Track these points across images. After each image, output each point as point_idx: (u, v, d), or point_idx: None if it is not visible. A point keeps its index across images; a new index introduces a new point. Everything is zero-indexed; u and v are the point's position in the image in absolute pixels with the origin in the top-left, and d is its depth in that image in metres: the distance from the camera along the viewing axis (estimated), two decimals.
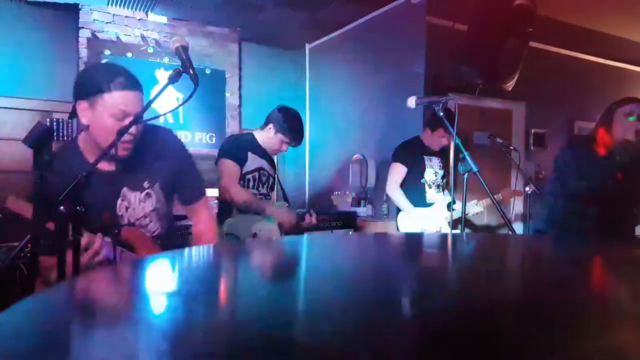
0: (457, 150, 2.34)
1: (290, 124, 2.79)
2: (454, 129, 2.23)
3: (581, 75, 5.66)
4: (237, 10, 5.24)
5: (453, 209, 3.13)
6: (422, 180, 3.46)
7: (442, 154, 3.54)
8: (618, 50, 5.97)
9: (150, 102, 1.53)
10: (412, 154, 3.46)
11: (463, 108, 4.34)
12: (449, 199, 3.47)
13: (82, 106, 1.56)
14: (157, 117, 1.75)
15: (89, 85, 1.55)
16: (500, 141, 3.82)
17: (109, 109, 1.54)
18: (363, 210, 4.85)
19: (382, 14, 5.02)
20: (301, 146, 2.96)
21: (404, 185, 3.45)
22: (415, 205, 3.40)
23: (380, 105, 4.99)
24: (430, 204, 3.46)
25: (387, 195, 3.59)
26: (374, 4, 4.96)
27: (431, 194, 3.48)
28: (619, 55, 6.00)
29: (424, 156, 3.47)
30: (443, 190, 3.53)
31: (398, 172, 3.44)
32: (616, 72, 6.03)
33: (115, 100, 1.54)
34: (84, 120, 1.57)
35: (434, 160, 3.49)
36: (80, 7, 5.07)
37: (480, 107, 4.78)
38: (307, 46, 6.33)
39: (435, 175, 3.49)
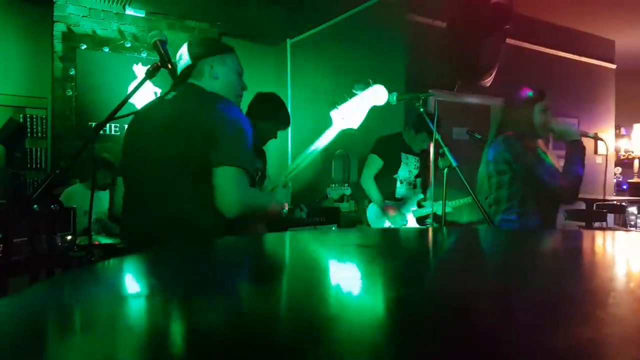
0: (437, 146, 2.36)
1: (267, 108, 2.78)
2: (435, 129, 2.25)
3: (556, 71, 5.77)
4: (216, 4, 5.19)
5: (423, 205, 3.21)
6: (394, 176, 3.50)
7: (421, 154, 3.56)
8: (591, 47, 6.11)
9: (128, 96, 1.50)
10: (391, 149, 3.49)
11: (442, 104, 4.37)
12: (419, 196, 3.54)
13: (217, 61, 1.75)
14: (136, 112, 1.73)
15: (220, 44, 1.85)
16: (479, 136, 3.86)
17: (235, 65, 1.79)
18: (346, 206, 4.86)
19: (364, 11, 5.03)
20: (284, 141, 2.95)
21: (376, 178, 3.48)
22: (384, 199, 3.45)
23: None
24: (399, 199, 3.51)
25: (359, 185, 3.61)
26: (355, 0, 4.96)
27: (401, 189, 3.52)
28: (592, 52, 6.13)
29: (402, 153, 3.50)
30: (414, 188, 3.57)
31: (374, 164, 3.47)
32: (589, 68, 6.16)
33: (235, 60, 1.80)
34: (218, 74, 1.73)
35: (410, 158, 3.52)
36: (54, 0, 4.96)
37: (459, 103, 4.82)
38: (289, 41, 6.30)
39: (409, 174, 3.53)
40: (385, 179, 3.48)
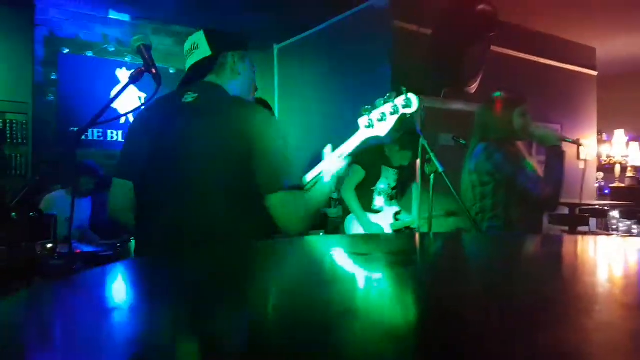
0: (424, 152, 2.37)
1: None
2: (422, 135, 2.26)
3: (540, 78, 5.85)
4: (203, 9, 5.16)
5: (398, 219, 3.24)
6: (373, 188, 3.51)
7: (399, 167, 3.57)
8: (573, 55, 6.23)
9: (111, 101, 1.48)
10: (373, 161, 3.49)
11: (429, 110, 4.39)
12: (396, 208, 3.56)
13: (238, 56, 1.66)
14: (119, 117, 1.70)
15: (242, 39, 1.72)
16: (464, 142, 3.88)
17: (251, 63, 1.72)
18: (334, 212, 4.84)
19: (349, 17, 5.05)
20: None
21: (356, 188, 3.48)
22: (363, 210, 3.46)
23: (349, 106, 4.99)
24: (376, 211, 3.52)
25: (339, 194, 3.59)
26: (340, 7, 4.97)
27: (379, 201, 3.54)
28: (574, 59, 6.25)
29: (383, 166, 3.51)
30: (391, 200, 3.59)
31: (357, 175, 3.47)
32: (571, 75, 6.27)
33: (251, 58, 1.73)
34: (240, 70, 1.65)
35: (390, 172, 3.54)
36: (36, 3, 4.88)
37: (446, 110, 4.85)
38: (276, 47, 6.30)
39: (388, 187, 3.55)
40: (365, 191, 3.49)
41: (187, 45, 1.65)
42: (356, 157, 3.54)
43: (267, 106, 2.85)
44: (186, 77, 1.64)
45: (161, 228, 1.48)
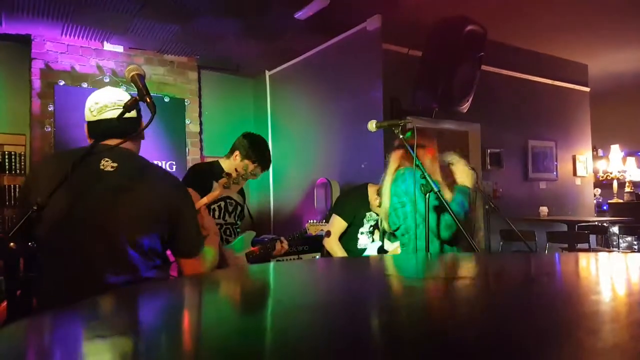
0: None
1: (256, 149, 2.76)
2: (415, 155, 2.31)
3: (532, 95, 5.92)
4: (195, 39, 5.24)
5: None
6: (357, 232, 3.49)
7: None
8: (565, 72, 6.30)
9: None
10: (354, 210, 3.48)
11: (421, 130, 4.43)
12: (379, 243, 3.50)
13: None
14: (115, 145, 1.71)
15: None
16: None
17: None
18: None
19: (340, 42, 5.13)
20: (265, 172, 2.94)
21: (341, 235, 3.47)
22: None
23: (341, 129, 5.05)
24: (362, 250, 3.48)
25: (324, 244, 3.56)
26: (331, 32, 5.06)
27: (362, 241, 3.50)
28: (566, 76, 6.32)
29: (366, 213, 3.48)
30: (373, 236, 3.53)
31: (339, 226, 3.46)
32: (563, 92, 6.33)
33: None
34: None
35: (372, 215, 3.48)
36: (32, 38, 4.96)
37: (438, 129, 4.90)
38: (267, 73, 6.37)
39: (370, 228, 3.50)
40: (349, 236, 3.48)
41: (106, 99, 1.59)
42: (336, 209, 3.54)
43: (264, 143, 2.87)
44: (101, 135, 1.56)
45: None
